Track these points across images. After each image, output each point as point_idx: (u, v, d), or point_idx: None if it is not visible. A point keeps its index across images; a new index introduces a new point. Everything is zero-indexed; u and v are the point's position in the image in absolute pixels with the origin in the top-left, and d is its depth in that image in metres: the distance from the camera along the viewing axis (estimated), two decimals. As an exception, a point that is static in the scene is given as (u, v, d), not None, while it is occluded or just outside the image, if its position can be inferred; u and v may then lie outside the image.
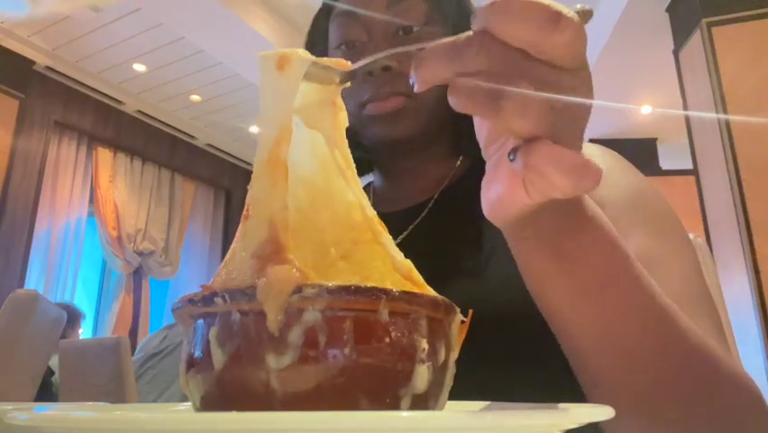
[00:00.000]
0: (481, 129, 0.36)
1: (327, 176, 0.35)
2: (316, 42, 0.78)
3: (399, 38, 0.68)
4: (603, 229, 0.39)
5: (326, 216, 0.33)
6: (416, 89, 0.31)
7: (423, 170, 0.74)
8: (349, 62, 0.36)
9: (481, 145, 0.37)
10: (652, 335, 0.40)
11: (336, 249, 0.32)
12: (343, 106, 0.37)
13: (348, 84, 0.37)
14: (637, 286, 0.40)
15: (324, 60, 0.34)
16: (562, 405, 0.27)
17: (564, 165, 0.29)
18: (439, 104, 0.69)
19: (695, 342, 0.41)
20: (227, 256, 0.31)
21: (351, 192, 0.35)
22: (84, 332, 3.94)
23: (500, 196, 0.34)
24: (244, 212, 0.31)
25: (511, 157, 0.31)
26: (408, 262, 0.32)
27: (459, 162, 0.74)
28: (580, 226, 0.38)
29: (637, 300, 0.40)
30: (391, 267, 0.32)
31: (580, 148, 0.32)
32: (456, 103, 0.30)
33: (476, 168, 0.72)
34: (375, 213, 0.34)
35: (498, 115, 0.29)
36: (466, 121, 0.71)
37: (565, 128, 0.30)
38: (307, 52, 0.33)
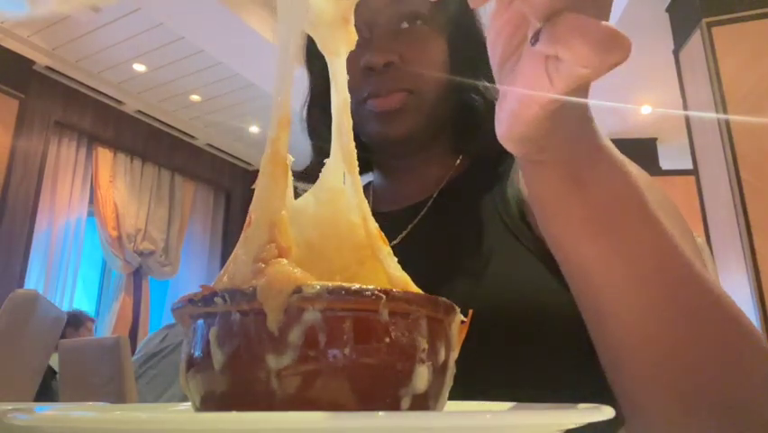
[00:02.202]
0: (495, 45, 0.35)
1: (333, 196, 0.35)
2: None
3: (401, 33, 0.67)
4: (617, 160, 0.38)
5: (333, 243, 0.33)
6: None
7: (422, 168, 0.74)
8: None
9: (495, 68, 0.36)
10: (666, 269, 0.39)
11: (342, 275, 0.32)
12: (353, 20, 0.36)
13: None
14: (651, 219, 0.39)
15: None
16: (562, 405, 0.27)
17: (592, 35, 0.27)
18: (440, 101, 0.68)
19: (711, 284, 0.40)
20: (229, 261, 0.31)
21: (355, 208, 0.34)
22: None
23: (519, 101, 0.33)
24: (247, 219, 0.31)
25: (533, 42, 0.30)
26: (405, 277, 0.32)
27: (458, 162, 0.74)
28: (594, 153, 0.37)
29: (652, 232, 0.39)
30: (387, 284, 0.32)
31: (608, 20, 0.30)
32: None
33: (475, 167, 0.72)
34: (376, 226, 0.34)
35: None
36: (466, 119, 0.71)
37: (590, 0, 0.29)
38: None
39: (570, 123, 0.35)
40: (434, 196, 0.71)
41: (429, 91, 0.67)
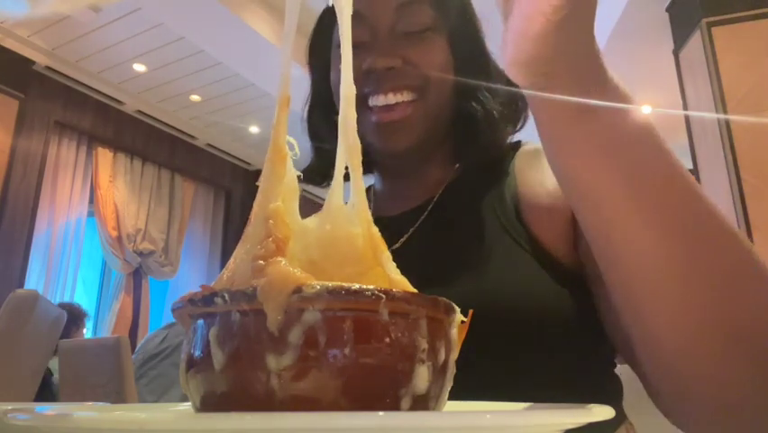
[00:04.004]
0: None
1: (337, 214, 0.34)
2: (319, 42, 0.78)
3: (404, 38, 0.67)
4: (624, 91, 0.38)
5: (335, 260, 0.33)
6: None
7: (423, 173, 0.74)
8: None
9: (500, 6, 0.36)
10: (684, 202, 0.38)
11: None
12: None
13: None
14: (663, 150, 0.38)
15: None
16: (562, 405, 0.27)
17: None
18: (443, 109, 0.69)
19: (722, 216, 0.39)
20: (230, 260, 0.31)
21: (356, 218, 0.34)
22: (87, 331, 3.95)
23: (523, 16, 0.33)
24: (249, 217, 0.31)
25: None
26: (404, 281, 0.32)
27: (457, 168, 0.75)
28: (601, 82, 0.37)
29: (663, 162, 0.38)
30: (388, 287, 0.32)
31: None
32: None
33: (473, 171, 0.73)
34: (376, 231, 0.33)
35: None
36: (465, 128, 0.71)
37: None
38: None
39: (576, 43, 0.35)
40: (434, 200, 0.71)
41: (433, 97, 0.67)
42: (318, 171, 0.77)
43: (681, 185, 0.38)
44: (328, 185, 0.84)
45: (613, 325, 0.57)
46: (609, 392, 0.62)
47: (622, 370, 0.64)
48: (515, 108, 0.73)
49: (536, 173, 0.66)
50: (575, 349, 0.58)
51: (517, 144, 0.74)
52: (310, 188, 0.76)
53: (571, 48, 0.35)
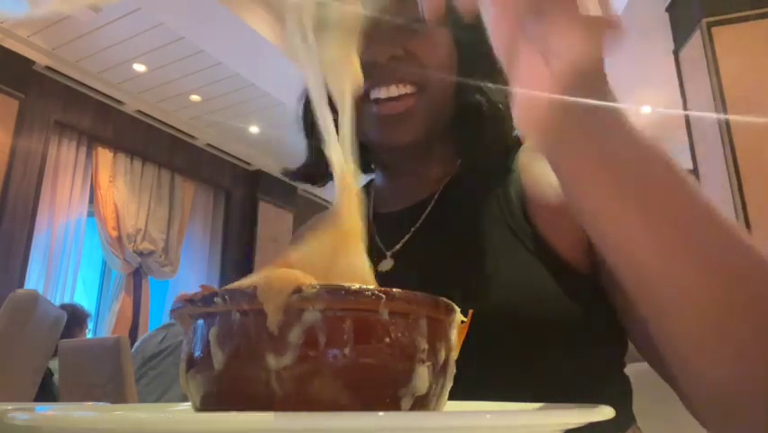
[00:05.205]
0: (498, 45, 0.35)
1: (338, 240, 0.34)
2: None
3: (406, 28, 0.64)
4: (641, 132, 0.37)
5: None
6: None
7: (424, 169, 0.72)
8: None
9: (506, 69, 0.35)
10: (711, 234, 0.38)
11: None
12: (357, 61, 0.37)
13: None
14: (686, 187, 0.38)
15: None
16: (562, 405, 0.27)
17: (578, 10, 0.28)
18: (446, 101, 0.67)
19: (752, 248, 0.38)
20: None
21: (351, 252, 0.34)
22: (88, 332, 3.95)
23: (525, 99, 0.33)
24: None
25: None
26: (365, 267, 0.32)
27: (459, 164, 0.73)
28: (618, 126, 0.36)
29: (688, 199, 0.38)
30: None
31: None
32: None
33: (476, 167, 0.71)
34: (359, 224, 0.33)
35: None
36: (469, 121, 0.69)
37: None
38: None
39: (589, 100, 0.34)
40: (436, 197, 0.69)
41: (436, 89, 0.65)
42: (314, 171, 0.75)
43: (718, 222, 0.38)
44: (324, 184, 0.80)
45: (642, 338, 0.55)
46: (617, 394, 0.61)
47: (631, 371, 0.63)
48: None
49: (542, 169, 0.63)
50: (580, 350, 0.57)
51: (521, 138, 0.72)
52: (309, 187, 0.75)
53: (586, 107, 0.34)
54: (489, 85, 0.69)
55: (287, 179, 0.81)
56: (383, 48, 0.62)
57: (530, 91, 0.33)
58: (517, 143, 0.70)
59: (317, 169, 0.75)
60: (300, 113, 0.77)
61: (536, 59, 0.32)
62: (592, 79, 0.34)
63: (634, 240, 0.37)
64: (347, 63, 0.36)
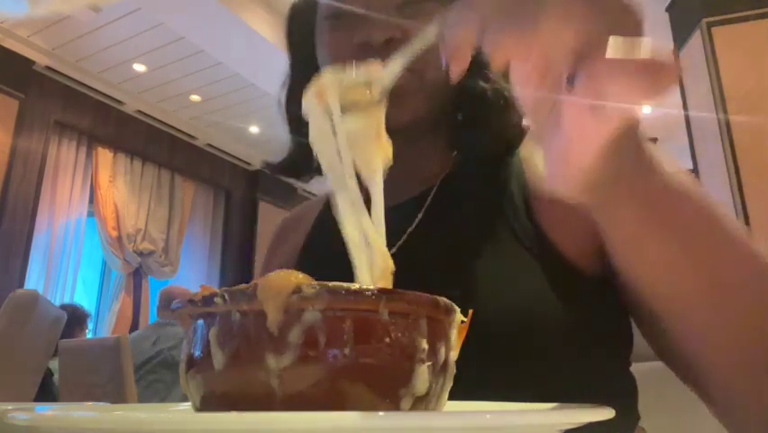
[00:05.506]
0: (525, 95, 0.32)
1: None
2: (302, 12, 0.70)
3: (403, 8, 0.60)
4: (678, 179, 0.37)
5: None
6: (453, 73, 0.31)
7: (415, 163, 0.67)
8: (380, 66, 0.35)
9: (531, 118, 0.34)
10: (757, 283, 0.39)
11: None
12: (389, 141, 0.37)
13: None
14: (732, 238, 0.40)
15: (356, 75, 0.34)
16: (562, 405, 0.27)
17: (633, 63, 0.26)
18: (445, 85, 0.62)
19: None
20: None
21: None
22: (88, 332, 3.95)
23: (569, 149, 0.30)
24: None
25: (570, 83, 0.28)
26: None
27: (454, 156, 0.68)
28: (659, 181, 0.36)
29: (737, 250, 0.39)
30: None
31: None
32: (494, 56, 0.29)
33: (473, 163, 0.67)
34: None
35: (538, 27, 0.27)
36: (470, 110, 0.65)
37: (620, 18, 0.27)
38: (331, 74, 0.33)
39: (629, 158, 0.33)
40: (432, 195, 0.65)
41: (432, 73, 0.60)
42: (299, 164, 0.70)
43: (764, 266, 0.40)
44: (310, 178, 0.76)
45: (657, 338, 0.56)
46: (621, 394, 0.59)
47: (636, 370, 0.62)
48: None
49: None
50: (581, 350, 0.56)
51: (526, 127, 0.67)
52: (309, 186, 0.73)
53: (625, 163, 0.33)
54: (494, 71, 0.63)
55: (268, 171, 0.76)
56: (380, 30, 0.58)
57: (575, 147, 0.30)
58: (520, 135, 0.65)
59: (301, 162, 0.70)
60: (283, 99, 0.72)
61: (580, 114, 0.29)
62: (632, 136, 0.32)
63: (688, 295, 0.39)
64: (376, 137, 0.36)
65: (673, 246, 0.38)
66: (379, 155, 0.36)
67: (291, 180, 0.80)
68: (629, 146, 0.33)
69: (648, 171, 0.36)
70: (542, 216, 0.58)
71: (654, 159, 0.36)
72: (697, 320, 0.41)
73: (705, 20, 2.98)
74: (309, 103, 0.33)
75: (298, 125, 0.69)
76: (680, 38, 3.26)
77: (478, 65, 0.63)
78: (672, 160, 0.39)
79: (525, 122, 0.66)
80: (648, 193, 0.36)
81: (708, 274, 0.38)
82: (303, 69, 0.69)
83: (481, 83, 0.63)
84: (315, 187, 0.66)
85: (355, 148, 0.35)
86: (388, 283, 0.33)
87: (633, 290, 0.46)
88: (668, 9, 3.41)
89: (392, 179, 0.71)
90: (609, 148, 0.30)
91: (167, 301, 3.21)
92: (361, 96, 0.35)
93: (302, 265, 0.71)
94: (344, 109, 0.34)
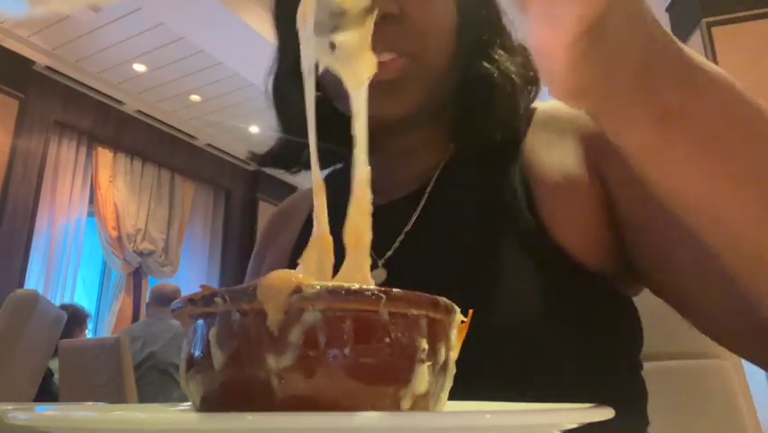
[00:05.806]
0: None
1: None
2: None
3: None
4: (709, 69, 0.31)
5: None
6: None
7: (414, 153, 0.64)
8: None
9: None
10: None
11: None
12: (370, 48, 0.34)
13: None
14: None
15: None
16: (562, 405, 0.27)
17: None
18: (445, 70, 0.59)
19: None
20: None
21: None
22: (88, 332, 3.96)
23: (543, 44, 0.27)
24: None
25: None
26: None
27: (452, 147, 0.65)
28: (677, 70, 0.30)
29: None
30: None
31: None
32: None
33: (472, 155, 0.63)
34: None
35: None
36: (474, 95, 0.61)
37: None
38: None
39: (622, 46, 0.28)
40: (429, 191, 0.62)
41: (433, 56, 0.57)
42: (287, 154, 0.67)
43: None
44: (298, 170, 0.73)
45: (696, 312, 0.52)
46: (627, 395, 0.57)
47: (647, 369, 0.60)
48: (533, 71, 0.60)
49: (550, 149, 0.57)
50: (582, 350, 0.56)
51: (530, 113, 0.62)
52: (309, 186, 0.71)
53: (619, 53, 0.28)
54: (500, 50, 0.60)
55: (255, 165, 0.73)
56: (377, 4, 0.56)
57: (544, 42, 0.27)
58: (527, 123, 0.61)
59: (289, 153, 0.67)
60: (270, 87, 0.68)
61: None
62: (624, 17, 0.28)
63: (722, 204, 0.33)
64: (362, 50, 0.35)
65: (706, 146, 0.32)
66: (366, 67, 0.35)
67: (291, 180, 0.79)
68: (620, 34, 0.28)
69: (662, 57, 0.30)
70: (544, 209, 0.55)
71: (687, 53, 0.31)
72: (737, 223, 0.34)
73: (705, 20, 2.98)
74: (299, 26, 0.33)
75: (286, 112, 0.67)
76: (680, 38, 3.24)
77: (483, 45, 0.60)
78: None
79: (533, 106, 0.62)
80: (658, 89, 0.30)
81: (749, 164, 0.32)
82: (291, 52, 0.65)
83: (486, 65, 0.59)
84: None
85: (343, 59, 0.35)
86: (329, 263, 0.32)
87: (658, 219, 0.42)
88: (668, 9, 3.41)
89: (388, 173, 0.66)
90: (584, 39, 0.26)
91: (157, 298, 3.25)
92: (350, 4, 0.34)
93: (295, 262, 0.71)
94: (335, 22, 0.34)
